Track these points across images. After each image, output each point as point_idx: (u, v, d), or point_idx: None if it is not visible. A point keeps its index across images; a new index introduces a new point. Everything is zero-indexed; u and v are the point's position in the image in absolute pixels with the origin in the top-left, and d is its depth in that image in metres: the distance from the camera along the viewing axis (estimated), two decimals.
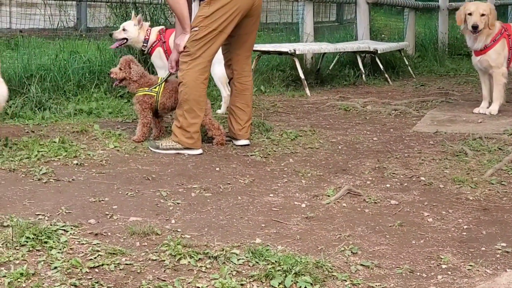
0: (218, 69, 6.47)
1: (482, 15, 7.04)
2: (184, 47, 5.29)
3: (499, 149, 5.52)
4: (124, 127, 6.01)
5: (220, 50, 6.18)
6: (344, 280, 3.11)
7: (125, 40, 6.58)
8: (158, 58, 6.47)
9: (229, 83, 5.86)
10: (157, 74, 6.41)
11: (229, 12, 5.26)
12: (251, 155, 5.29)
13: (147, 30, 6.56)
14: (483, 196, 4.38)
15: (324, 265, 3.22)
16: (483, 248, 3.52)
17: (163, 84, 5.56)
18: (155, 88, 5.53)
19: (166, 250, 3.33)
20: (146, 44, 6.53)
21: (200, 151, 5.29)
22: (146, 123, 5.53)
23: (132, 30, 6.52)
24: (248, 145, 5.59)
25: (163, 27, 6.79)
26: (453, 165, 5.07)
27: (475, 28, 7.00)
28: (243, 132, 5.62)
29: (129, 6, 7.64)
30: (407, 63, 10.80)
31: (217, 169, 4.90)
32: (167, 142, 5.29)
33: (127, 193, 4.25)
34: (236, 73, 5.64)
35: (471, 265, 3.30)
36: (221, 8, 5.24)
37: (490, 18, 7.06)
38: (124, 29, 6.57)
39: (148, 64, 7.10)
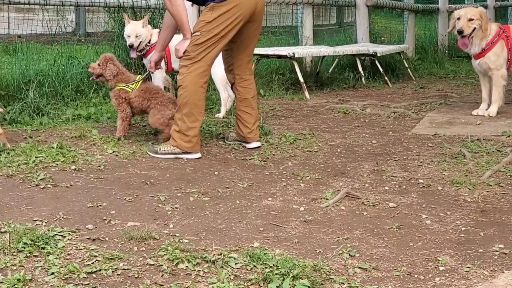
0: (219, 70, 6.47)
1: (470, 19, 7.04)
2: (184, 52, 5.29)
3: (497, 150, 5.52)
4: None
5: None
6: (342, 283, 3.10)
7: (140, 43, 6.57)
8: None
9: (231, 88, 5.86)
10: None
11: (231, 18, 5.26)
12: (249, 159, 5.28)
13: (150, 31, 6.60)
14: (481, 198, 4.38)
15: (322, 268, 3.22)
16: (481, 250, 3.52)
17: (140, 82, 5.62)
18: (132, 84, 5.61)
19: (164, 254, 3.33)
20: (148, 43, 6.55)
21: (199, 155, 5.29)
22: (125, 117, 5.63)
23: (144, 32, 6.53)
24: (259, 147, 5.62)
25: (159, 29, 6.82)
26: (451, 167, 5.06)
27: (460, 32, 7.06)
28: (253, 134, 5.63)
29: (127, 11, 7.63)
30: (406, 65, 10.81)
31: (216, 173, 4.90)
32: (165, 147, 5.29)
33: (125, 198, 4.25)
34: (238, 78, 5.63)
35: (468, 267, 3.30)
36: (224, 13, 5.24)
37: (483, 23, 7.04)
38: (137, 36, 6.52)
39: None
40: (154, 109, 5.56)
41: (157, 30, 6.74)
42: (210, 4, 5.26)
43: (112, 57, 5.70)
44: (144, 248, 3.45)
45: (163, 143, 5.38)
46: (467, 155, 5.35)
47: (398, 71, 10.72)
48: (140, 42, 6.54)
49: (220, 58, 6.16)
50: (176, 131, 5.27)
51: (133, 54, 6.67)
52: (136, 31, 6.53)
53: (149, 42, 6.55)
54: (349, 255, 3.43)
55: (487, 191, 4.50)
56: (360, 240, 3.65)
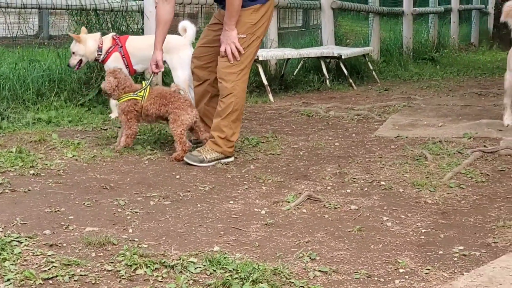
0: (181, 74, 6.44)
1: None
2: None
3: (459, 152, 5.55)
4: (83, 135, 5.94)
5: (184, 55, 6.14)
6: (301, 286, 3.08)
7: (81, 60, 6.47)
8: (114, 62, 6.34)
9: (196, 87, 5.66)
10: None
11: (269, 18, 5.27)
12: None
13: (99, 39, 6.46)
14: (442, 199, 4.40)
15: (282, 271, 3.19)
16: (441, 252, 3.52)
17: (148, 88, 5.39)
18: (140, 92, 5.37)
19: (122, 260, 3.28)
20: (101, 52, 6.43)
21: (233, 158, 5.31)
22: (131, 134, 5.37)
23: (80, 48, 6.42)
24: None
25: (114, 33, 6.69)
26: (413, 169, 5.08)
27: None
28: None
29: (90, 13, 7.56)
30: (371, 68, 10.86)
31: (177, 176, 4.86)
32: (211, 154, 5.17)
33: (84, 203, 4.19)
34: (214, 76, 5.43)
35: (428, 269, 3.30)
36: (265, 14, 5.22)
37: None
38: (73, 53, 6.46)
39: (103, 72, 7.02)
40: (173, 114, 5.30)
41: (111, 34, 6.59)
42: (257, 5, 5.18)
43: (114, 70, 5.45)
44: (102, 254, 3.40)
45: (206, 151, 5.20)
46: (428, 157, 5.37)
47: (363, 74, 10.77)
48: (81, 59, 6.47)
49: (182, 60, 6.14)
50: (221, 138, 5.19)
51: (76, 69, 6.65)
52: (71, 49, 6.49)
53: (100, 50, 6.43)
54: (310, 258, 3.42)
55: (448, 193, 4.52)
56: (321, 243, 3.64)
